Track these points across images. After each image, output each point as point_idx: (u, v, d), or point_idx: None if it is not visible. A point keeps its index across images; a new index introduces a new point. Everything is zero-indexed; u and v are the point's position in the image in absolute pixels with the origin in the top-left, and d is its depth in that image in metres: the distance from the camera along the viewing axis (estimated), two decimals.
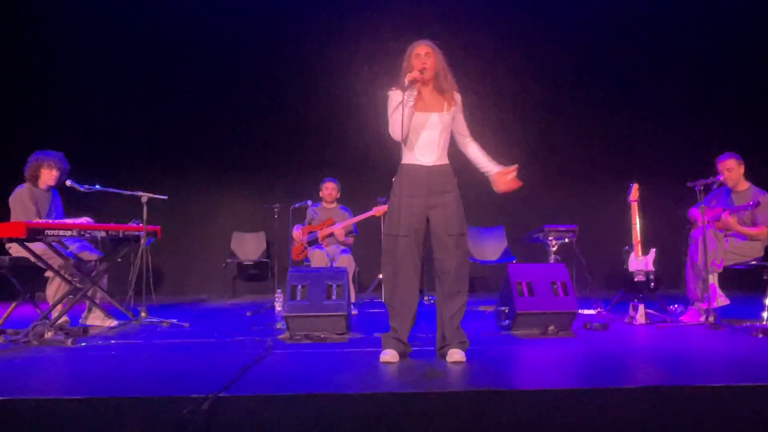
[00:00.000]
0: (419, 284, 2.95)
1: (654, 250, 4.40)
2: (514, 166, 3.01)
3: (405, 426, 2.17)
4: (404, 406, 2.20)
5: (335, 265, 5.03)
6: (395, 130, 2.87)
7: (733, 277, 4.54)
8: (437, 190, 2.91)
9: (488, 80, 6.97)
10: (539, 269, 3.89)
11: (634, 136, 7.17)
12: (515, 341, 3.46)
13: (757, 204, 4.04)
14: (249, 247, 7.11)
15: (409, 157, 2.95)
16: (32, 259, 3.94)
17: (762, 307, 4.01)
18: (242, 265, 7.26)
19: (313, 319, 3.61)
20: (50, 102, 7.03)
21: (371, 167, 6.75)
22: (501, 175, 3.02)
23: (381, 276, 5.88)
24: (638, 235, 4.42)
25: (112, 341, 3.60)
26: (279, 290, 5.02)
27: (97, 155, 6.82)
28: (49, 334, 3.53)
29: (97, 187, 4.40)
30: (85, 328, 3.98)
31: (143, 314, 4.37)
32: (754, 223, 4.24)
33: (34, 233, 3.65)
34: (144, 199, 4.48)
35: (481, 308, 5.14)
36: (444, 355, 2.86)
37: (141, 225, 4.40)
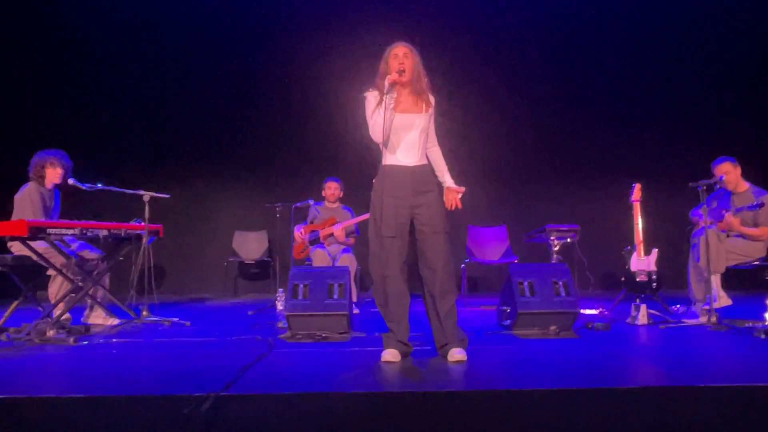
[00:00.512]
0: (409, 286, 2.92)
1: (656, 250, 4.40)
2: (463, 189, 3.04)
3: (406, 425, 2.17)
4: (405, 405, 2.20)
5: (337, 264, 5.04)
6: (376, 133, 2.90)
7: (735, 278, 4.53)
8: (421, 190, 2.92)
9: (490, 80, 6.97)
10: (541, 269, 3.88)
11: (636, 137, 7.16)
12: (517, 341, 3.45)
13: (761, 205, 4.03)
14: (251, 246, 7.12)
15: (391, 159, 2.96)
16: (34, 257, 3.94)
17: (764, 308, 4.00)
18: (244, 264, 7.27)
19: (315, 318, 3.61)
20: (52, 101, 7.04)
21: (374, 167, 6.73)
22: (450, 191, 3.04)
23: None
24: (640, 235, 4.41)
25: (114, 340, 3.60)
26: (280, 289, 5.01)
27: (99, 154, 6.84)
28: (50, 333, 3.53)
29: (100, 185, 4.40)
30: (87, 327, 3.99)
31: (145, 313, 4.38)
32: (755, 224, 4.23)
33: (36, 232, 3.66)
34: (146, 198, 4.48)
35: (483, 308, 5.13)
36: (445, 354, 2.86)
37: (143, 224, 4.41)
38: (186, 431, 2.11)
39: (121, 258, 4.57)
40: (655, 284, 4.31)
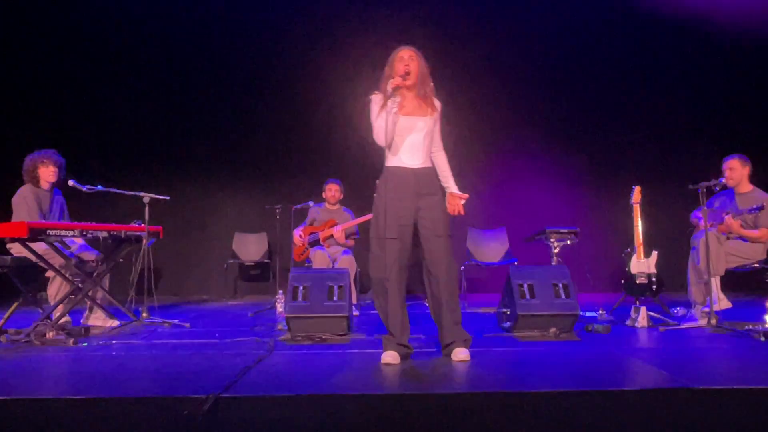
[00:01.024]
0: (410, 288, 2.95)
1: (656, 252, 4.39)
2: (466, 195, 3.06)
3: (406, 427, 2.16)
4: (405, 407, 2.20)
5: (337, 266, 5.04)
6: (379, 136, 2.93)
7: (735, 280, 4.53)
8: (424, 193, 2.95)
9: (489, 82, 6.98)
10: (541, 271, 3.88)
11: (636, 139, 7.17)
12: (516, 343, 3.45)
13: (760, 208, 4.03)
14: (250, 247, 7.12)
15: (394, 161, 2.98)
16: (34, 259, 3.94)
17: (764, 310, 4.00)
18: (244, 265, 7.26)
19: (315, 320, 3.60)
20: (52, 102, 7.04)
21: (374, 169, 6.73)
22: (453, 197, 3.06)
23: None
24: (640, 237, 4.41)
25: (114, 341, 3.60)
26: (280, 291, 5.02)
27: (99, 156, 6.85)
28: (50, 334, 3.53)
29: (100, 187, 4.41)
30: (87, 329, 3.99)
31: (144, 314, 4.37)
32: (756, 226, 4.23)
33: (36, 233, 3.66)
34: (146, 200, 4.49)
35: (483, 310, 5.13)
36: (449, 354, 2.90)
37: (143, 225, 4.41)
38: None
39: (120, 259, 4.57)
40: (654, 286, 4.31)
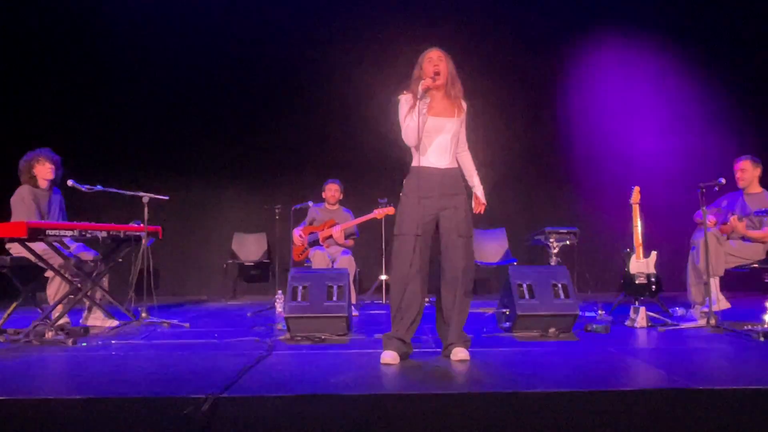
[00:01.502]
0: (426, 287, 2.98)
1: (655, 252, 4.40)
2: (484, 203, 3.18)
3: (405, 428, 2.17)
4: (404, 407, 2.20)
5: (336, 266, 5.04)
6: (409, 136, 2.95)
7: (735, 280, 4.53)
8: (449, 193, 2.98)
9: (489, 82, 6.97)
10: (540, 271, 3.88)
11: (635, 139, 7.17)
12: (516, 343, 3.45)
13: (767, 212, 4.02)
14: (250, 247, 7.12)
15: (422, 160, 2.99)
16: (33, 259, 3.94)
17: (763, 310, 4.00)
18: (243, 265, 7.26)
19: (314, 320, 3.60)
20: (51, 102, 7.04)
21: (374, 169, 6.76)
22: (477, 199, 3.17)
23: (384, 277, 5.93)
24: (639, 237, 4.42)
25: (113, 341, 3.60)
26: (279, 291, 5.02)
27: (98, 155, 6.84)
28: (49, 334, 3.53)
29: (99, 187, 4.40)
30: (86, 329, 3.98)
31: (144, 315, 4.37)
32: (760, 226, 4.22)
33: (35, 233, 3.65)
34: (145, 200, 4.48)
35: (482, 310, 5.13)
36: (448, 355, 2.91)
37: (142, 225, 4.40)
38: None
39: (120, 259, 4.56)
40: (654, 287, 4.31)
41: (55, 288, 4.12)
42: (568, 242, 5.10)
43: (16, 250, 4.07)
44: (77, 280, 4.12)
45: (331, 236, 5.29)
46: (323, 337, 3.57)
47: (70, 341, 3.46)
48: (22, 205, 4.15)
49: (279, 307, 4.88)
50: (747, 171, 4.32)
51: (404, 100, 2.99)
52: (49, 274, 4.10)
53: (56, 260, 4.04)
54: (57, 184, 4.42)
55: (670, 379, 2.47)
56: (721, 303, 4.07)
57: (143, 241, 4.34)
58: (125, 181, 5.24)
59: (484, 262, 6.21)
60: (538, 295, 3.71)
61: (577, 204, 7.01)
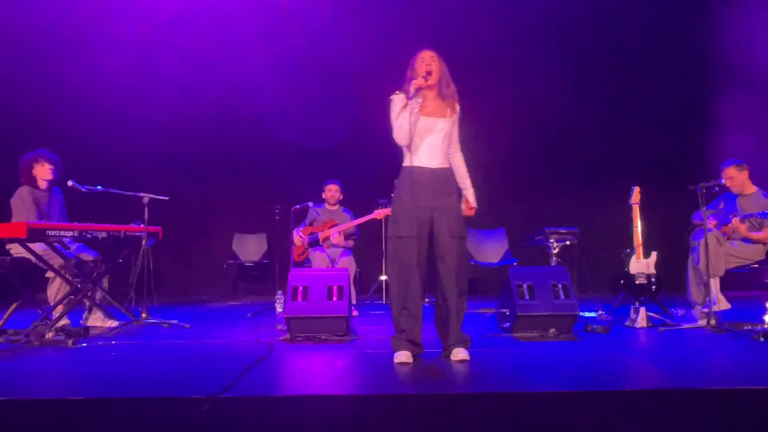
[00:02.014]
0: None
1: (655, 253, 4.40)
2: (475, 207, 3.15)
3: (405, 427, 2.17)
4: (404, 408, 2.20)
5: (336, 266, 5.04)
6: (400, 135, 2.95)
7: (735, 281, 4.53)
8: (441, 193, 2.98)
9: (489, 82, 6.98)
10: (540, 271, 3.89)
11: (635, 139, 7.17)
12: (516, 344, 3.45)
13: None
14: (250, 248, 7.12)
15: (413, 160, 2.99)
16: (33, 259, 3.94)
17: (763, 311, 4.00)
18: (243, 266, 7.26)
19: (314, 320, 3.60)
20: (51, 103, 7.03)
21: (374, 170, 6.75)
22: (465, 202, 3.14)
23: (384, 277, 5.93)
24: (639, 237, 4.41)
25: (113, 342, 3.60)
26: (280, 291, 5.01)
27: (98, 156, 6.83)
28: (49, 335, 3.52)
29: (99, 187, 4.40)
30: (86, 329, 3.98)
31: (144, 315, 4.37)
32: (760, 228, 4.22)
33: (36, 233, 3.65)
34: (145, 200, 4.49)
35: (482, 310, 5.13)
36: (448, 355, 2.91)
37: (142, 226, 4.40)
38: None
39: (120, 260, 4.56)
40: (654, 287, 4.31)
41: (56, 288, 4.12)
42: (568, 242, 5.09)
43: (16, 250, 4.06)
44: (77, 281, 4.13)
45: (330, 237, 5.29)
46: (323, 337, 3.57)
47: (70, 342, 3.46)
48: (22, 205, 4.15)
49: (279, 308, 4.88)
50: (735, 178, 4.31)
51: (397, 99, 2.99)
52: (49, 274, 4.10)
53: (56, 261, 4.04)
54: (57, 184, 4.42)
55: (670, 380, 2.47)
56: (721, 303, 4.06)
57: (143, 241, 4.34)
58: (125, 181, 5.23)
59: (484, 263, 6.21)
60: (538, 295, 3.71)
61: (577, 204, 7.01)
